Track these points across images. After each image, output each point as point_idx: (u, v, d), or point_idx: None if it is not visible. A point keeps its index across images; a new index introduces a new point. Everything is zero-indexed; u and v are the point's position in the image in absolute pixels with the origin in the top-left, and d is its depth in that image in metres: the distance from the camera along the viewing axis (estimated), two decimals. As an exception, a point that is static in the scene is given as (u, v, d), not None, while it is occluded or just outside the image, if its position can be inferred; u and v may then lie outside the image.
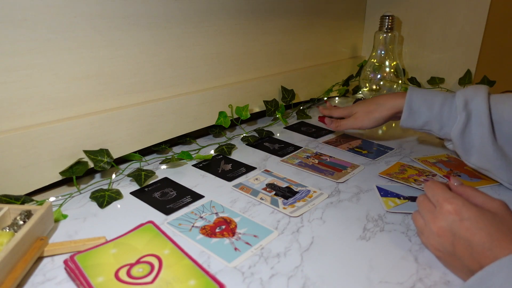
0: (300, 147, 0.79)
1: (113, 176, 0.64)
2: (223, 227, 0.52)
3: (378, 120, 0.73)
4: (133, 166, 0.69)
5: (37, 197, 0.58)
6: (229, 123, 0.81)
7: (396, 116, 0.72)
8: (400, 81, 1.08)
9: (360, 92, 1.16)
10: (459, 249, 0.41)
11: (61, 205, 0.57)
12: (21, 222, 0.45)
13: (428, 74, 1.14)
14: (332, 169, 0.69)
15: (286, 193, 0.61)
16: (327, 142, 0.82)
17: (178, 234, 0.50)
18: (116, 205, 0.57)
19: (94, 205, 0.57)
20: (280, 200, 0.59)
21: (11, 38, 0.52)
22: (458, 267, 0.42)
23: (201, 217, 0.54)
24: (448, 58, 1.10)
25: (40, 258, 0.46)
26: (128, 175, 0.65)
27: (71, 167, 0.58)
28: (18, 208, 0.48)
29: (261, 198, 0.59)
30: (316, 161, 0.72)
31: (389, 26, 1.04)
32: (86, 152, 0.60)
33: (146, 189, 0.62)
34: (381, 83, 1.09)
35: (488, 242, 0.38)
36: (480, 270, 0.37)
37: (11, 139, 0.53)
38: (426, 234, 0.45)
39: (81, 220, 0.54)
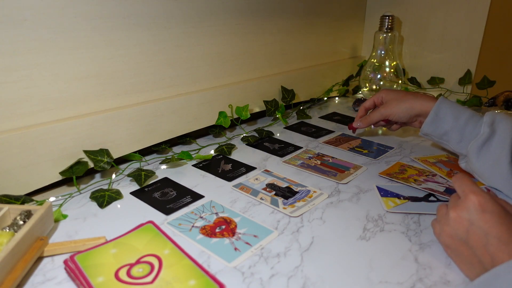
0: (300, 147, 0.79)
1: (113, 176, 0.64)
2: (223, 227, 0.52)
3: (408, 110, 0.70)
4: (133, 166, 0.69)
5: (37, 197, 0.58)
6: (229, 123, 0.81)
7: (417, 117, 0.71)
8: (400, 81, 1.08)
9: (360, 92, 1.16)
10: (473, 238, 0.40)
11: (61, 205, 0.57)
12: (21, 222, 0.45)
13: (428, 74, 1.14)
14: (334, 170, 0.69)
15: (286, 193, 0.61)
16: (327, 142, 0.82)
17: (178, 234, 0.50)
18: (116, 205, 0.57)
19: (94, 205, 0.57)
20: (280, 200, 0.59)
21: (11, 38, 0.52)
22: (467, 258, 0.42)
23: (201, 217, 0.54)
24: (448, 58, 1.10)
25: (40, 258, 0.46)
26: (128, 175, 0.65)
27: (71, 167, 0.58)
28: (18, 208, 0.48)
29: (261, 198, 0.59)
30: (319, 162, 0.72)
31: (389, 26, 1.04)
32: (86, 152, 0.60)
33: (146, 189, 0.62)
34: (381, 83, 1.09)
35: (505, 237, 0.38)
36: (492, 268, 0.36)
37: (11, 139, 0.53)
38: (442, 221, 0.45)
39: (81, 220, 0.54)
